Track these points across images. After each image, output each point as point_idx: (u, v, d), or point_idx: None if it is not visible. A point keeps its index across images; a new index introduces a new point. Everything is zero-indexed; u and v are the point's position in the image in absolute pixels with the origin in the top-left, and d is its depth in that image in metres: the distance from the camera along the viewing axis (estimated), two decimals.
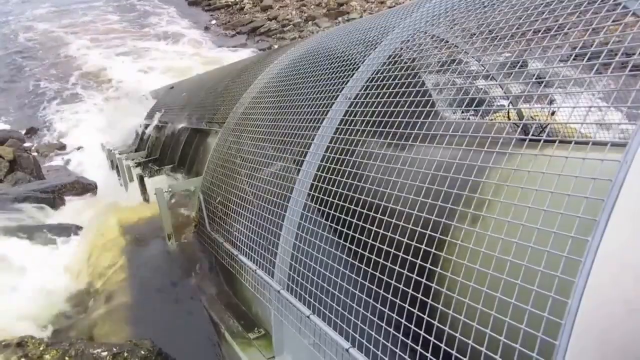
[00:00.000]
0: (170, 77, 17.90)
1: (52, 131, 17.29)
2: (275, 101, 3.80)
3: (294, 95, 3.32)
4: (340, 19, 23.46)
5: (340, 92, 2.73)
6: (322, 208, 2.35)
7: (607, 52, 1.51)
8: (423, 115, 2.07)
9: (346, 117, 2.57)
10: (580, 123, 1.58)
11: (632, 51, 1.49)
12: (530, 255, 1.38)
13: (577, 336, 1.20)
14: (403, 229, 1.85)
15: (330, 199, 2.30)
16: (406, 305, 1.70)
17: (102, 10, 30.65)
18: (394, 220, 1.91)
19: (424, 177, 1.88)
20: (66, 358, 3.10)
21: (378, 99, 2.39)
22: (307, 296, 2.23)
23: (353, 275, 2.00)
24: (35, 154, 13.67)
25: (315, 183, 2.48)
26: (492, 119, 3.39)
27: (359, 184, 2.19)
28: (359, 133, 2.41)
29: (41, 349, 3.15)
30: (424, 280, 1.67)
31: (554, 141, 1.58)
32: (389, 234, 1.89)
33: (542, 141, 1.72)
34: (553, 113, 2.51)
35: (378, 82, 2.53)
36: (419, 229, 1.78)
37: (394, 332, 1.73)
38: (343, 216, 2.18)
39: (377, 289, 1.86)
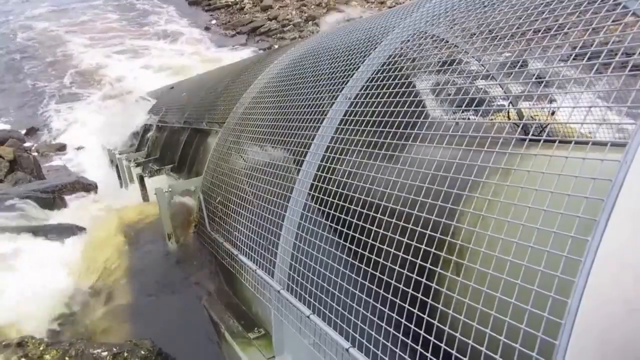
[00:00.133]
0: (169, 76, 17.94)
1: (52, 131, 17.31)
2: (275, 101, 3.80)
3: (294, 95, 3.33)
4: (340, 19, 23.43)
5: (340, 92, 2.73)
6: (322, 208, 2.35)
7: (607, 52, 1.51)
8: (423, 115, 2.07)
9: (346, 117, 2.57)
10: (580, 123, 1.58)
11: (632, 51, 1.49)
12: (530, 255, 1.38)
13: (577, 336, 1.20)
14: (403, 229, 1.85)
15: (330, 199, 2.30)
16: (406, 305, 1.70)
17: (101, 10, 30.67)
18: (394, 220, 1.91)
19: (423, 177, 1.88)
20: (66, 358, 3.10)
21: (378, 99, 2.39)
22: (307, 296, 2.23)
23: (353, 275, 2.00)
24: (36, 154, 13.67)
25: (315, 183, 2.48)
26: (492, 119, 3.39)
27: (359, 184, 2.19)
28: (359, 133, 2.41)
29: (41, 349, 3.15)
30: (424, 280, 1.67)
31: (554, 141, 1.58)
32: (389, 233, 1.89)
33: (542, 141, 1.72)
34: (553, 113, 2.51)
35: (378, 82, 2.53)
36: (418, 229, 1.78)
37: (394, 332, 1.73)
38: (343, 216, 2.18)
39: (377, 289, 1.86)
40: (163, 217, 4.16)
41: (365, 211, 2.08)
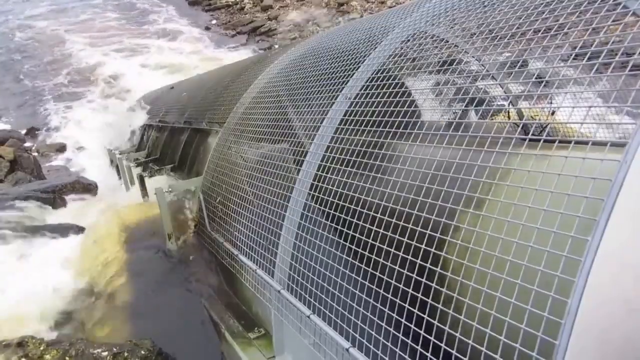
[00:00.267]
0: (169, 75, 17.94)
1: (52, 131, 17.30)
2: (275, 101, 3.80)
3: (294, 95, 3.33)
4: (340, 19, 23.45)
5: (341, 92, 2.74)
6: (322, 208, 2.35)
7: (607, 52, 1.51)
8: (423, 115, 2.07)
9: (346, 117, 2.57)
10: (580, 123, 1.58)
11: (632, 51, 1.49)
12: (530, 254, 1.38)
13: (577, 336, 1.20)
14: (403, 229, 1.85)
15: (331, 199, 2.30)
16: (406, 305, 1.70)
17: (101, 9, 30.70)
18: (394, 220, 1.91)
19: (423, 177, 1.88)
20: (66, 358, 3.10)
21: (378, 99, 2.39)
22: (307, 296, 2.23)
23: (353, 275, 2.00)
24: (36, 154, 13.67)
25: (316, 183, 2.48)
26: (492, 119, 3.39)
27: (359, 183, 2.19)
28: (359, 133, 2.41)
29: (41, 348, 3.15)
30: (424, 280, 1.67)
31: (554, 141, 1.58)
32: (389, 233, 1.89)
33: (542, 141, 1.72)
34: (553, 113, 2.51)
35: (378, 82, 2.53)
36: (419, 228, 1.78)
37: (394, 332, 1.73)
38: (343, 216, 2.18)
39: (377, 289, 1.86)
40: (163, 217, 4.16)
41: (365, 211, 2.08)
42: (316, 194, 2.44)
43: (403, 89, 2.29)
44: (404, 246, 1.80)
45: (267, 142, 3.26)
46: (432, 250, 1.68)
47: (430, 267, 1.67)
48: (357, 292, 1.93)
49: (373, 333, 1.78)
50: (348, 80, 2.77)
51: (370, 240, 1.98)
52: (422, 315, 1.64)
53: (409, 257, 1.76)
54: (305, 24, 22.28)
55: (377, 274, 1.88)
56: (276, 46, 20.24)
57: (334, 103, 2.71)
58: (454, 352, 1.48)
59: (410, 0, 3.74)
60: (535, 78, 1.91)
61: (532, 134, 1.96)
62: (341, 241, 2.17)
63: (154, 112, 9.13)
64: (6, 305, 3.99)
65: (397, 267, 1.79)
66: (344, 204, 2.21)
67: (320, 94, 2.96)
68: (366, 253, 1.97)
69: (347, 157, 2.33)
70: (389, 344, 1.72)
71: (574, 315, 1.20)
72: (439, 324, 1.56)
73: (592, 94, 2.00)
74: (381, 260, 1.88)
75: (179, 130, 6.87)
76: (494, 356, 1.34)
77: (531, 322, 1.30)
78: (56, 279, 4.30)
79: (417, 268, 1.73)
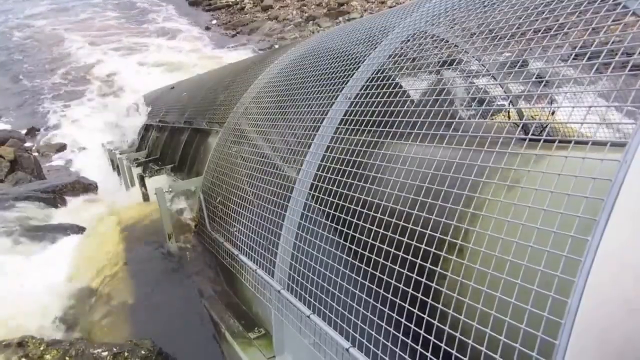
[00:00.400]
0: (169, 74, 17.94)
1: (52, 131, 17.29)
2: (275, 101, 3.80)
3: (295, 95, 3.33)
4: (340, 18, 23.47)
5: (341, 91, 2.74)
6: (322, 208, 2.35)
7: (607, 52, 1.50)
8: (423, 114, 2.07)
9: (346, 117, 2.57)
10: (580, 123, 1.58)
11: (632, 51, 1.49)
12: (530, 254, 1.38)
13: (577, 335, 1.20)
14: (403, 229, 1.85)
15: (331, 199, 2.30)
16: (406, 305, 1.70)
17: (101, 8, 30.72)
18: (394, 220, 1.91)
19: (424, 177, 1.88)
20: (67, 358, 3.10)
21: (378, 99, 2.39)
22: (307, 296, 2.23)
23: (353, 275, 2.00)
24: (36, 154, 13.67)
25: (316, 183, 2.48)
26: (492, 119, 3.39)
27: (359, 183, 2.19)
28: (359, 133, 2.41)
29: (42, 348, 3.15)
30: (424, 280, 1.67)
31: (554, 141, 1.58)
32: (389, 233, 1.89)
33: (541, 141, 1.72)
34: (553, 113, 2.51)
35: (378, 82, 2.53)
36: (418, 228, 1.78)
37: (394, 332, 1.73)
38: (343, 216, 2.18)
39: (377, 289, 1.86)
40: (163, 217, 4.16)
41: (365, 211, 2.08)
42: (316, 194, 2.44)
43: (403, 89, 2.28)
44: (404, 246, 1.80)
45: (267, 142, 3.26)
46: (432, 250, 1.68)
47: (431, 267, 1.67)
48: (357, 292, 1.94)
49: (373, 333, 1.79)
50: (348, 80, 2.77)
51: (370, 240, 1.98)
52: (422, 315, 1.64)
53: (409, 257, 1.76)
54: (306, 24, 22.26)
55: (377, 274, 1.88)
56: (276, 46, 20.24)
57: (334, 103, 2.71)
58: (454, 352, 1.48)
59: (410, 0, 3.74)
60: (535, 78, 1.92)
61: (532, 134, 1.96)
62: (341, 241, 2.17)
63: (154, 112, 9.13)
64: (6, 305, 3.98)
65: (397, 267, 1.79)
66: (344, 204, 2.21)
67: (320, 93, 2.96)
68: (366, 253, 1.97)
69: (347, 157, 2.33)
70: (389, 344, 1.72)
71: (574, 315, 1.20)
72: (439, 324, 1.56)
73: (592, 93, 2.00)
74: (381, 260, 1.88)
75: (179, 130, 6.87)
76: (494, 356, 1.34)
77: (531, 322, 1.30)
78: (56, 279, 4.30)
79: (417, 268, 1.73)
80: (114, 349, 3.11)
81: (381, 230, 1.95)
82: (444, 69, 2.61)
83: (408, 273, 1.74)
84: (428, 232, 1.72)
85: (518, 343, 1.30)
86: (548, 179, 1.45)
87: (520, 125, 1.87)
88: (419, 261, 1.72)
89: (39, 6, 31.69)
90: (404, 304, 1.71)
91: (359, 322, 1.88)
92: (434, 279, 1.66)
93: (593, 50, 1.56)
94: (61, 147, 15.41)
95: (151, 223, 4.68)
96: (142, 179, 5.82)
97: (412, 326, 1.65)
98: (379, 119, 2.31)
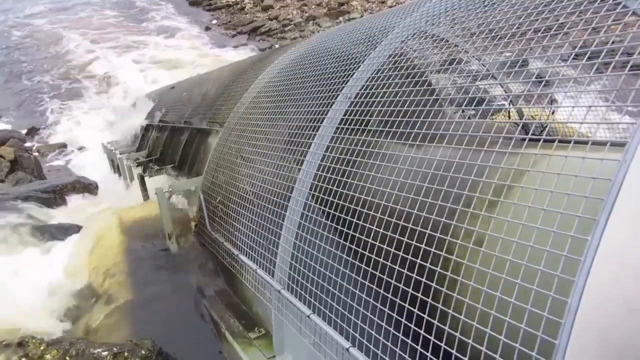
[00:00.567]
0: (169, 74, 17.94)
1: (52, 131, 17.31)
2: (275, 101, 3.80)
3: (295, 95, 3.33)
4: (341, 18, 23.47)
5: (341, 91, 2.73)
6: (322, 208, 2.35)
7: (607, 52, 1.50)
8: (423, 114, 2.07)
9: (346, 117, 2.57)
10: (580, 122, 1.58)
11: (632, 50, 1.49)
12: (530, 254, 1.38)
13: (577, 335, 1.20)
14: (403, 229, 1.85)
15: (331, 199, 2.30)
16: (406, 305, 1.70)
17: (100, 7, 30.74)
18: (394, 220, 1.91)
19: (424, 177, 1.88)
20: (67, 358, 3.10)
21: (378, 99, 2.39)
22: (307, 296, 2.23)
23: (353, 275, 2.00)
24: (36, 154, 13.68)
25: (316, 183, 2.48)
26: (492, 119, 3.38)
27: (359, 183, 2.19)
28: (359, 132, 2.41)
29: (42, 348, 3.15)
30: (424, 280, 1.67)
31: (554, 140, 1.58)
32: (389, 233, 1.89)
33: (541, 140, 1.72)
34: (553, 112, 2.51)
35: (378, 82, 2.53)
36: (418, 228, 1.78)
37: (394, 332, 1.73)
38: (343, 216, 2.18)
39: (377, 289, 1.86)
40: (163, 216, 4.17)
41: (365, 211, 2.08)
42: (316, 193, 2.44)
43: (402, 89, 2.28)
44: (404, 246, 1.80)
45: (268, 142, 3.26)
46: (432, 250, 1.68)
47: (431, 266, 1.67)
48: (357, 292, 1.94)
49: (373, 333, 1.79)
50: (348, 80, 2.77)
51: (370, 240, 1.98)
52: (422, 315, 1.64)
53: (409, 257, 1.76)
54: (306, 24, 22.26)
55: (378, 273, 1.88)
56: (276, 46, 20.24)
57: (334, 103, 2.71)
58: (454, 351, 1.48)
59: (410, 0, 3.74)
60: (535, 78, 1.91)
61: (532, 134, 1.96)
62: (341, 241, 2.17)
63: (155, 111, 9.14)
64: (6, 305, 3.99)
65: (397, 267, 1.79)
66: (344, 203, 2.21)
67: (320, 93, 2.96)
68: (366, 253, 1.97)
69: (348, 157, 2.33)
70: (389, 344, 1.72)
71: (574, 315, 1.20)
72: (439, 324, 1.56)
73: (592, 93, 2.00)
74: (381, 260, 1.88)
75: (180, 130, 6.87)
76: (494, 356, 1.34)
77: (531, 322, 1.30)
78: (56, 279, 4.31)
79: (417, 268, 1.73)
80: (114, 349, 3.11)
81: (381, 230, 1.95)
82: (444, 69, 2.61)
83: (408, 273, 1.74)
84: (428, 232, 1.72)
85: (518, 343, 1.30)
86: (548, 179, 1.45)
87: (520, 125, 1.87)
88: (419, 261, 1.72)
89: (38, 5, 31.68)
90: (404, 304, 1.71)
91: (359, 322, 1.88)
92: (434, 278, 1.66)
93: (593, 50, 1.56)
94: (62, 147, 15.42)
95: (151, 223, 4.68)
96: (142, 179, 5.83)
97: (412, 326, 1.65)
98: (380, 118, 2.31)
